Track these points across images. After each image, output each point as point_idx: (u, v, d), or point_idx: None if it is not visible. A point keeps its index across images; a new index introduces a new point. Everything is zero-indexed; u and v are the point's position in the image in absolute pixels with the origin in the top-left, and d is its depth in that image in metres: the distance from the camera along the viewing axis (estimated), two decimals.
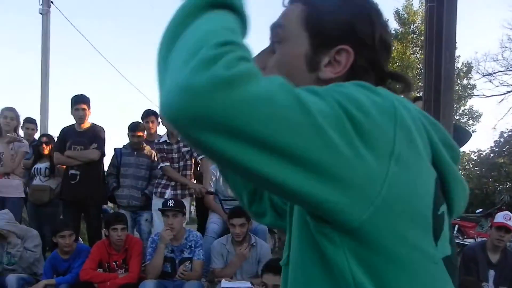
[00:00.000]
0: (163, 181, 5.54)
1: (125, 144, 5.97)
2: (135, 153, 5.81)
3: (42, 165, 5.86)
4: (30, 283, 4.79)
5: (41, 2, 10.26)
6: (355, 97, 0.72)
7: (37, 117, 7.71)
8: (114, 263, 4.76)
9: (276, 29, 0.94)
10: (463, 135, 5.39)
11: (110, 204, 7.18)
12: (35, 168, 5.88)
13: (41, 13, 10.22)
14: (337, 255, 0.78)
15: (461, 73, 21.64)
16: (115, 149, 6.00)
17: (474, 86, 22.59)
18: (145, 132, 6.00)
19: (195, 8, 0.70)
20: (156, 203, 5.38)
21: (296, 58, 0.91)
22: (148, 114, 6.27)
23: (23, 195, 5.81)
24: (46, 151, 5.89)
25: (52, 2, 10.41)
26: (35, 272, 4.99)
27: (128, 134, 5.82)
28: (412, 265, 0.78)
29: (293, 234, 0.92)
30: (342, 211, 0.72)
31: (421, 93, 4.29)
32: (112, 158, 5.94)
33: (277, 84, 0.66)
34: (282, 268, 0.99)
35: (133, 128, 5.79)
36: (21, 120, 6.13)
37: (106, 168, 5.99)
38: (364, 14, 0.91)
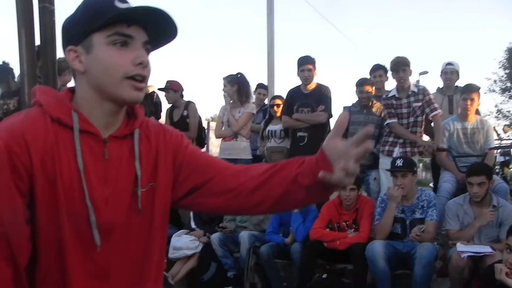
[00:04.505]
0: (391, 139, 5.31)
1: (354, 102, 5.87)
2: (364, 111, 5.69)
3: (276, 127, 5.95)
4: (260, 240, 5.09)
5: None
6: None
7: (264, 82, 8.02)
8: (344, 223, 4.75)
9: None
10: None
11: None
12: (268, 130, 6.02)
13: None
14: None
15: None
16: (344, 107, 5.95)
17: None
18: (373, 88, 5.82)
19: None
20: (384, 161, 5.22)
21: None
22: (376, 68, 6.08)
23: (250, 157, 6.08)
24: (278, 114, 6.00)
25: None
26: (264, 229, 5.25)
27: (356, 91, 5.72)
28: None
29: None
30: None
31: None
32: None
33: None
34: None
35: (361, 83, 5.69)
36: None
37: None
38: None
